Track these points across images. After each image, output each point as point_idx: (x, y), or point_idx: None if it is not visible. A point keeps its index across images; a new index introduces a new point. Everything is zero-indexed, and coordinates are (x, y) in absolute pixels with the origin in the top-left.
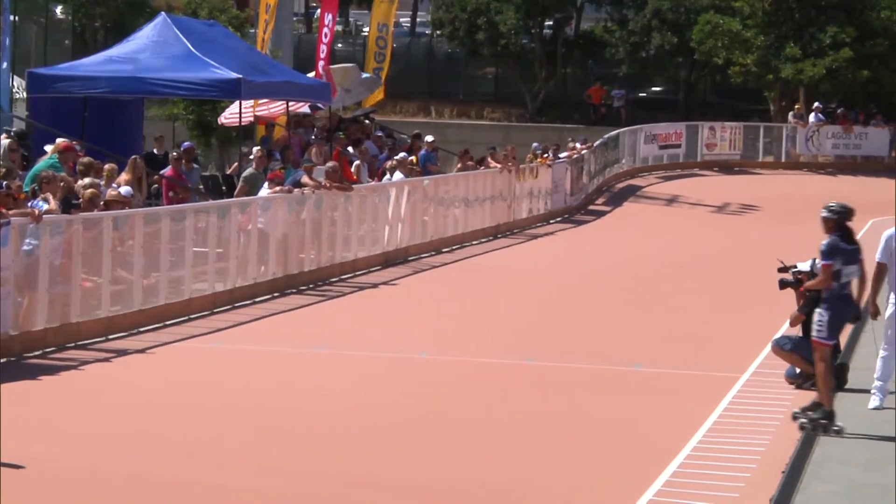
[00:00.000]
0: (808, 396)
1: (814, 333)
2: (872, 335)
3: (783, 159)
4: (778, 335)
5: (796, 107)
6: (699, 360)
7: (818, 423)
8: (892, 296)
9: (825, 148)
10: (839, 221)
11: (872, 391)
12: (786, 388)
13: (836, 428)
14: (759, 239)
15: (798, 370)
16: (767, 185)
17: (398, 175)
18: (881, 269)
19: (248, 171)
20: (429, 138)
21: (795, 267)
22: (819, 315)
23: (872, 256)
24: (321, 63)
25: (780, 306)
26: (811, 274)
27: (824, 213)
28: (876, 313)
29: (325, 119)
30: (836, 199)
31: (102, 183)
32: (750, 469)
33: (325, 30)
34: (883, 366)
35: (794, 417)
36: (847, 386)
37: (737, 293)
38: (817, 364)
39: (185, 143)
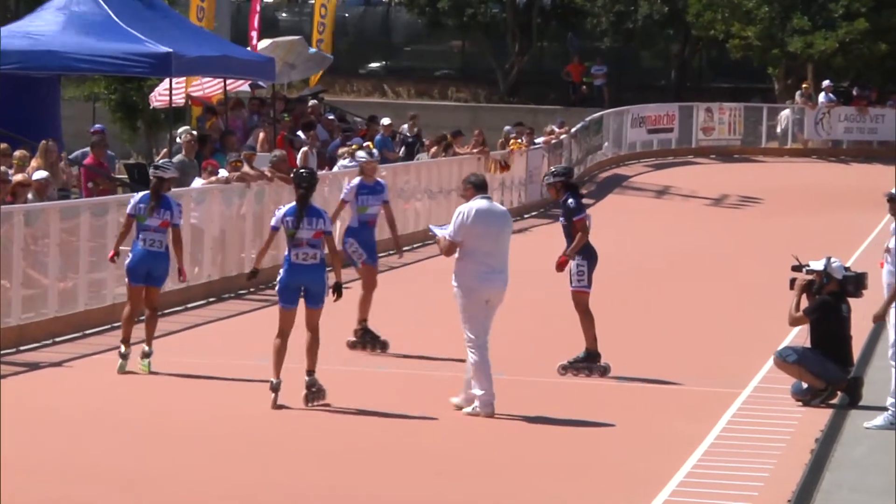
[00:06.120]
0: (819, 414)
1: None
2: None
3: (789, 145)
4: (781, 346)
5: (804, 85)
6: (694, 374)
7: (580, 365)
8: None
9: (837, 132)
10: None
11: None
12: (792, 405)
13: (602, 366)
14: (761, 235)
15: (805, 385)
16: (771, 174)
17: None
18: None
19: (178, 158)
20: (385, 121)
21: (808, 266)
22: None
23: None
24: (254, 34)
25: (785, 312)
26: (825, 274)
27: None
28: None
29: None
30: (850, 190)
31: (11, 171)
32: (752, 497)
33: None
34: None
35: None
36: (861, 402)
37: (736, 297)
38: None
39: (96, 125)
